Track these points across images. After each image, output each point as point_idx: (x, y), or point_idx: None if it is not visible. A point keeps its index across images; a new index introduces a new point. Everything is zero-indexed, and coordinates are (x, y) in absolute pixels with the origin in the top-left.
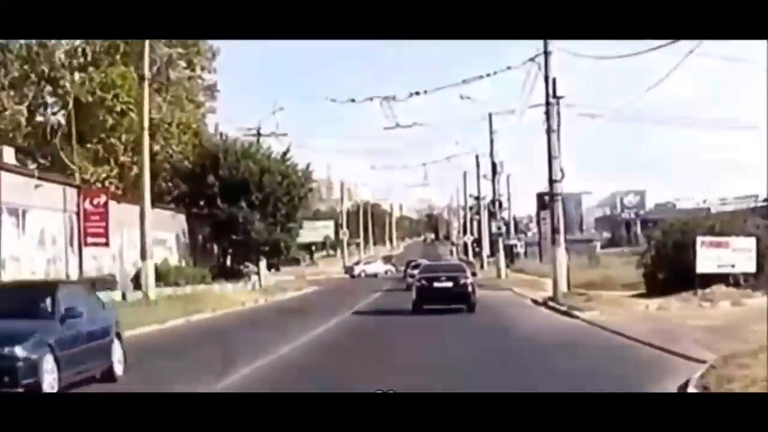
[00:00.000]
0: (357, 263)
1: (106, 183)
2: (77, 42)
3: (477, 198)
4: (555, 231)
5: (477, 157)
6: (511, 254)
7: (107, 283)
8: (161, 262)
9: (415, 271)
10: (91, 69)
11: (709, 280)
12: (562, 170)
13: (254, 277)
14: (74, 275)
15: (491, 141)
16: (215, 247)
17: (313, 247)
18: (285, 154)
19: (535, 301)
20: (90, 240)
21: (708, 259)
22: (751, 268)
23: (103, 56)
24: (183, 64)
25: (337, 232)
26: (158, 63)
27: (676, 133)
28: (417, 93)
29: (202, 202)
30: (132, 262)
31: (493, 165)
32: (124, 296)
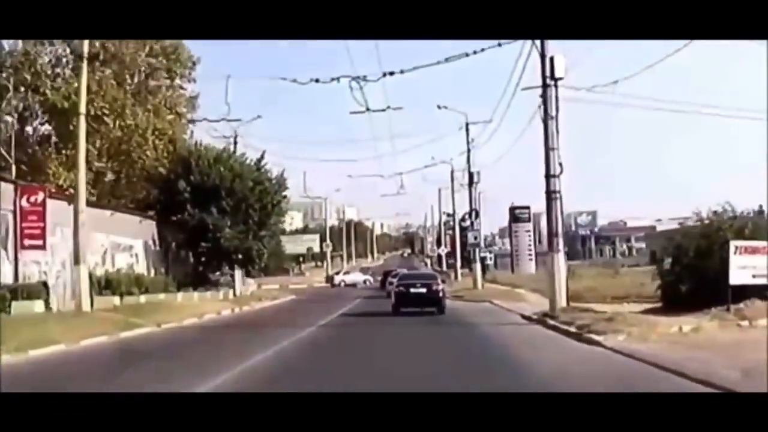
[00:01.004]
0: (337, 273)
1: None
2: (59, 50)
3: (450, 215)
4: (554, 234)
5: (452, 171)
6: (483, 266)
7: (32, 291)
8: (126, 268)
9: (395, 280)
10: (68, 74)
11: (741, 293)
12: (560, 164)
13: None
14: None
15: (468, 150)
16: (191, 255)
17: (301, 258)
18: (259, 161)
19: (527, 317)
20: (27, 242)
21: (743, 267)
22: None
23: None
24: (164, 74)
25: (321, 245)
26: (139, 72)
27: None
28: (391, 73)
29: (174, 209)
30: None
31: (470, 175)
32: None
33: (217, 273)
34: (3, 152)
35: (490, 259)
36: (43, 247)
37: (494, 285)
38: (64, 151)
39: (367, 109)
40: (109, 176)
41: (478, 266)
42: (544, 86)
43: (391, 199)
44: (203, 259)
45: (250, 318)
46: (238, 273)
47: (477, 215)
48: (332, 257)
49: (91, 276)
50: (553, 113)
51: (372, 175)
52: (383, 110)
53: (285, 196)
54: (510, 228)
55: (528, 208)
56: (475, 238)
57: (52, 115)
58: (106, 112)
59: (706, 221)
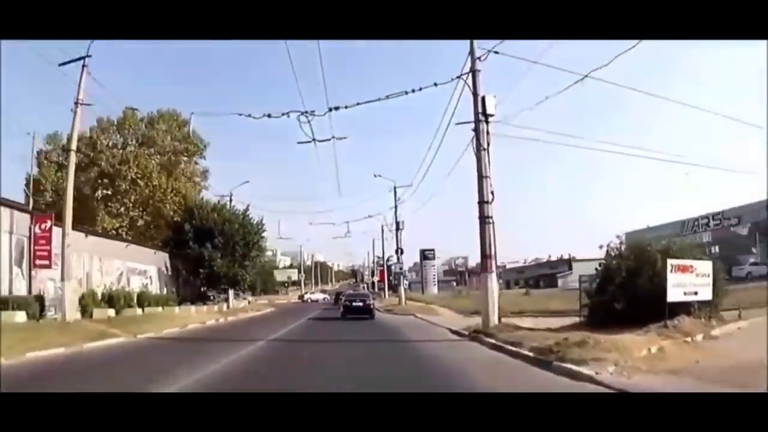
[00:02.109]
0: (305, 293)
1: (119, 231)
2: (114, 136)
3: (380, 257)
4: (488, 257)
5: (382, 227)
6: (403, 289)
7: (21, 303)
8: (140, 288)
9: (343, 297)
10: (116, 151)
11: (671, 309)
12: (492, 192)
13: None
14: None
15: (396, 206)
16: (197, 279)
17: (285, 284)
18: (245, 211)
19: (456, 332)
20: (38, 262)
21: (677, 285)
22: (709, 295)
23: (131, 144)
24: (184, 152)
25: (298, 276)
26: (166, 152)
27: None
28: (336, 108)
29: (182, 245)
30: (95, 285)
31: (397, 224)
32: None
33: (223, 292)
34: (27, 192)
35: (405, 284)
36: (49, 266)
37: (412, 302)
38: (109, 204)
39: (314, 140)
40: (140, 222)
41: (402, 288)
42: (477, 121)
43: (341, 240)
44: (203, 281)
45: (231, 325)
46: (231, 291)
47: (402, 252)
48: (305, 284)
49: (94, 293)
50: (485, 145)
51: (326, 223)
52: (328, 140)
53: (263, 237)
54: (421, 263)
55: (433, 250)
56: (400, 269)
57: (103, 179)
58: (140, 176)
59: (628, 245)
